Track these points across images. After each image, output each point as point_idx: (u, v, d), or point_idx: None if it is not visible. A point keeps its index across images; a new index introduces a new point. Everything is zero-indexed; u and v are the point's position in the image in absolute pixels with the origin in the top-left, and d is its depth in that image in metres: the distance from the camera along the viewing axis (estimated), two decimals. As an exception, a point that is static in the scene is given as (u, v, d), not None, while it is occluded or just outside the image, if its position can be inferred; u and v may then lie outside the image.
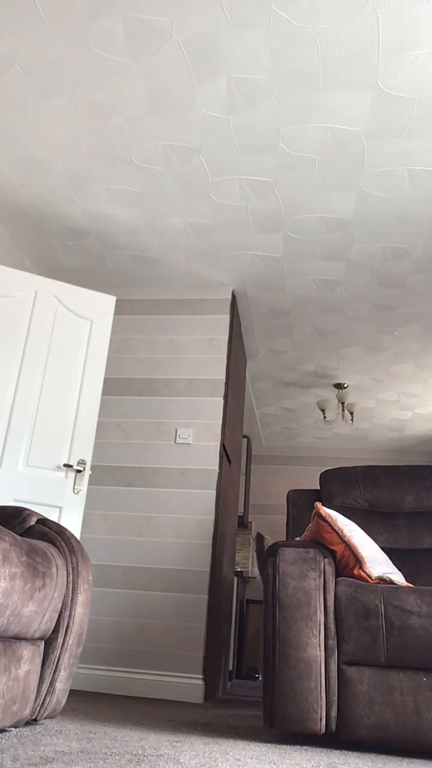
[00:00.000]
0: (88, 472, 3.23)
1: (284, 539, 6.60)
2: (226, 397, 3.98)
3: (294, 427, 6.98)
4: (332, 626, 1.99)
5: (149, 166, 3.15)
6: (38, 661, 1.82)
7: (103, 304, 3.54)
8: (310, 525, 2.27)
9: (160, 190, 3.31)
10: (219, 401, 3.87)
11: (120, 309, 4.23)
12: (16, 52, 2.55)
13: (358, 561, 2.16)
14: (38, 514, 2.11)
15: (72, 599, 1.92)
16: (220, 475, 3.76)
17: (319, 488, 3.60)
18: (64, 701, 1.92)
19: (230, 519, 4.33)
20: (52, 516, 3.11)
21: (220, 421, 3.82)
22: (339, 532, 2.18)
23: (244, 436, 7.11)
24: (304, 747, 1.88)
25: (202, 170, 3.14)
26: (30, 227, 3.70)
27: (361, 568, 2.15)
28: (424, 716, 1.83)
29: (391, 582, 2.12)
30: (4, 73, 2.65)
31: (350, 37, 2.37)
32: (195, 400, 3.90)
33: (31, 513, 2.08)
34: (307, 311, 4.46)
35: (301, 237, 3.61)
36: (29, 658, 1.76)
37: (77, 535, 3.14)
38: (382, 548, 2.72)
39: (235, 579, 5.53)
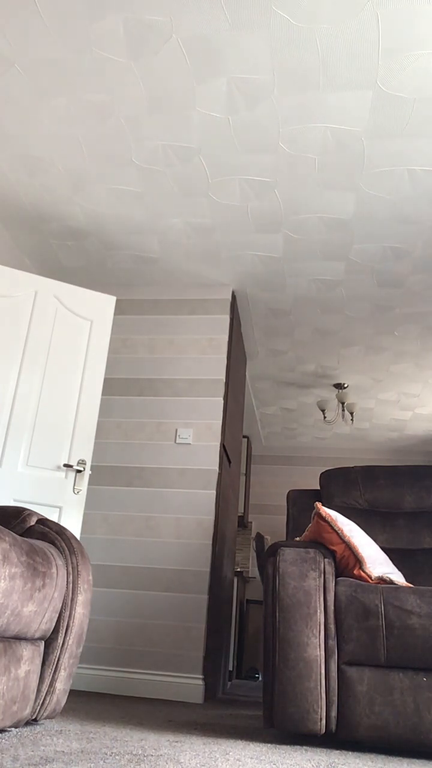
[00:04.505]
0: (88, 472, 3.23)
1: (284, 539, 6.60)
2: (226, 397, 3.98)
3: (294, 427, 6.98)
4: (332, 626, 1.99)
5: (149, 166, 3.15)
6: (38, 661, 1.82)
7: (103, 304, 3.54)
8: (310, 525, 2.27)
9: (160, 190, 3.31)
10: (219, 401, 3.87)
11: (120, 309, 4.23)
12: (16, 52, 2.55)
13: (358, 561, 2.16)
14: (38, 514, 2.11)
15: (72, 599, 1.92)
16: (220, 475, 3.76)
17: (319, 488, 3.60)
18: (64, 701, 1.92)
19: (230, 519, 4.33)
20: (52, 516, 3.11)
21: (220, 421, 3.82)
22: (339, 532, 2.18)
23: (244, 436, 7.11)
24: (304, 747, 1.88)
25: (202, 170, 3.14)
26: (30, 227, 3.70)
27: (361, 568, 2.15)
28: (424, 716, 1.83)
29: (391, 582, 2.12)
30: (4, 73, 2.66)
31: (350, 37, 2.37)
32: (195, 400, 3.90)
33: (31, 513, 2.08)
34: (307, 311, 4.46)
35: (301, 237, 3.61)
36: (29, 658, 1.76)
37: (77, 535, 3.14)
38: (382, 548, 2.72)
39: (235, 579, 5.53)
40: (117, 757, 1.48)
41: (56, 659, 1.88)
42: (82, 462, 3.24)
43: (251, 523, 6.78)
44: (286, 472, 7.61)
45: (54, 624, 1.87)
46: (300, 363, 5.35)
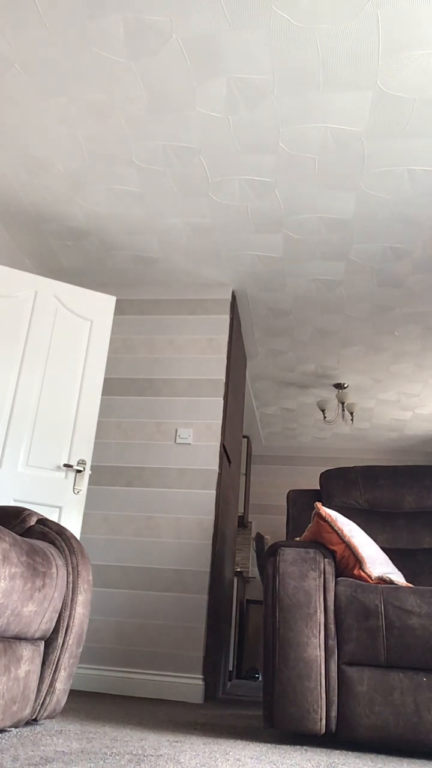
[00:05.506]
0: (88, 472, 3.23)
1: (284, 539, 6.60)
2: (226, 397, 3.98)
3: (294, 427, 6.98)
4: (332, 626, 1.99)
5: (149, 166, 3.15)
6: (38, 661, 1.82)
7: (103, 304, 3.54)
8: (310, 525, 2.27)
9: (160, 190, 3.31)
10: (219, 401, 3.87)
11: (120, 309, 4.23)
12: (16, 52, 2.55)
13: (358, 561, 2.16)
14: (38, 514, 2.11)
15: (72, 599, 1.92)
16: (220, 475, 3.76)
17: (319, 488, 3.60)
18: (64, 701, 1.92)
19: (230, 519, 4.33)
20: (52, 516, 3.11)
21: (220, 421, 3.82)
22: (339, 532, 2.18)
23: (244, 436, 7.11)
24: (304, 747, 1.88)
25: (202, 170, 3.14)
26: (30, 227, 3.70)
27: (361, 568, 2.15)
28: (424, 716, 1.83)
29: (391, 582, 2.12)
30: (4, 73, 2.65)
31: (350, 38, 2.37)
32: (195, 400, 3.90)
33: (31, 513, 2.08)
34: (307, 311, 4.46)
35: (301, 237, 3.61)
36: (29, 658, 1.76)
37: (77, 535, 3.14)
38: (382, 548, 2.72)
39: (235, 579, 5.53)
40: (117, 757, 1.48)
41: (56, 659, 1.88)
42: (82, 462, 3.24)
43: (251, 523, 6.78)
44: (286, 472, 7.61)
45: (54, 624, 1.87)
46: (300, 363, 5.35)
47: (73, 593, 1.93)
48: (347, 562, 2.17)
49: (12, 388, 3.23)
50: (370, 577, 2.13)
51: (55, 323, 3.41)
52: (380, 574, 2.15)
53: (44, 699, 1.84)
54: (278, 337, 4.90)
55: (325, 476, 2.99)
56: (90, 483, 3.79)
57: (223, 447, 3.86)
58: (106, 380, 4.04)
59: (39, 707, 1.84)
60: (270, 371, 5.55)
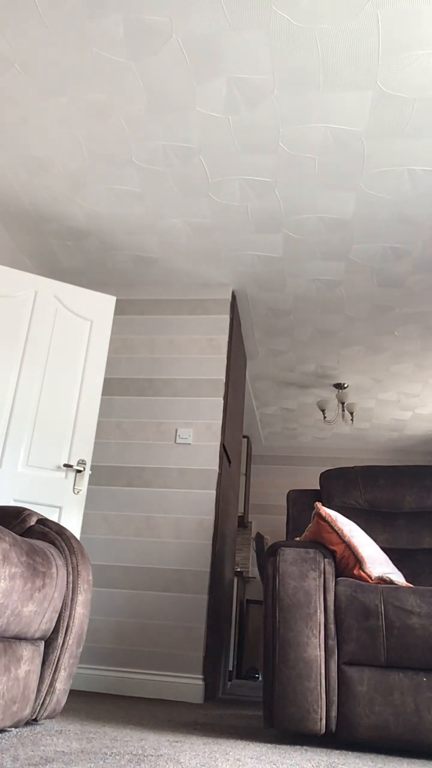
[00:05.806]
0: (88, 472, 3.23)
1: (284, 539, 6.60)
2: (226, 397, 3.98)
3: (294, 427, 6.98)
4: (332, 626, 1.99)
5: (149, 166, 3.15)
6: (38, 661, 1.82)
7: (103, 304, 3.54)
8: (310, 525, 2.27)
9: (160, 190, 3.31)
10: (219, 401, 3.87)
11: (120, 309, 4.23)
12: (16, 52, 2.55)
13: (358, 561, 2.16)
14: (38, 514, 2.11)
15: (72, 599, 1.92)
16: (220, 475, 3.76)
17: (319, 488, 3.60)
18: (64, 701, 1.92)
19: (230, 519, 4.33)
20: (52, 516, 3.11)
21: (220, 421, 3.82)
22: (339, 532, 2.18)
23: (244, 436, 7.11)
24: (304, 747, 1.88)
25: (202, 170, 3.14)
26: (30, 227, 3.70)
27: (361, 568, 2.15)
28: (424, 716, 1.83)
29: (391, 582, 2.12)
30: (4, 73, 2.65)
31: (350, 38, 2.37)
32: (195, 400, 3.90)
33: (31, 513, 2.08)
34: (307, 311, 4.46)
35: (301, 237, 3.61)
36: (29, 658, 1.76)
37: (77, 535, 3.14)
38: (382, 548, 2.72)
39: (235, 579, 5.53)
40: (117, 757, 1.48)
41: (56, 659, 1.88)
42: (82, 462, 3.24)
43: (251, 523, 6.78)
44: (286, 472, 7.61)
45: (54, 624, 1.87)
46: (300, 363, 5.35)
47: (73, 593, 1.93)
48: (347, 562, 2.17)
49: (12, 388, 3.23)
50: (370, 577, 2.13)
51: (55, 323, 3.41)
52: (380, 574, 2.15)
53: (44, 699, 1.84)
54: (278, 337, 4.90)
55: (325, 476, 2.99)
56: (90, 483, 3.79)
57: (223, 447, 3.86)
58: (106, 380, 4.04)
59: (39, 707, 1.84)
60: (270, 371, 5.55)
